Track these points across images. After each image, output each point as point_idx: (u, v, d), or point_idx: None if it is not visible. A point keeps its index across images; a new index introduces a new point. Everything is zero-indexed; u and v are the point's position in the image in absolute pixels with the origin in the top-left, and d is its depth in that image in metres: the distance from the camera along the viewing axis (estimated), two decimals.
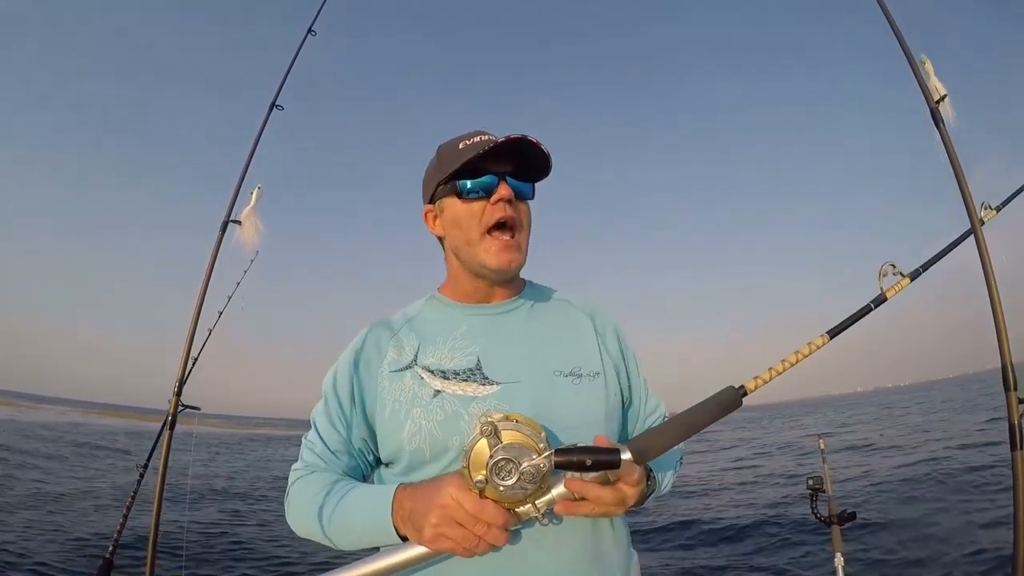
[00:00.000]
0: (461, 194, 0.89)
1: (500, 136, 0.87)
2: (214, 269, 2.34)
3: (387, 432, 0.87)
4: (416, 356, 0.90)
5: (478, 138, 0.90)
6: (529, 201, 0.95)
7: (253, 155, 2.28)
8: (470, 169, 0.87)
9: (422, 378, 0.87)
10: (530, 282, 1.05)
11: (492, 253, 0.88)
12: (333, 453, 0.90)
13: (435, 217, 0.97)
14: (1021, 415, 1.62)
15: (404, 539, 0.75)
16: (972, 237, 1.65)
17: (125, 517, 2.81)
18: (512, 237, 0.90)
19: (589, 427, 0.83)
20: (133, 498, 2.86)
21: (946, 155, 1.57)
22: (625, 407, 0.98)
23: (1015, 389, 1.61)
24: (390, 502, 0.76)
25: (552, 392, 0.86)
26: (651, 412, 1.02)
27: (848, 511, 2.28)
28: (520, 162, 0.90)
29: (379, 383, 0.89)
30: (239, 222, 2.34)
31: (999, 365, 1.58)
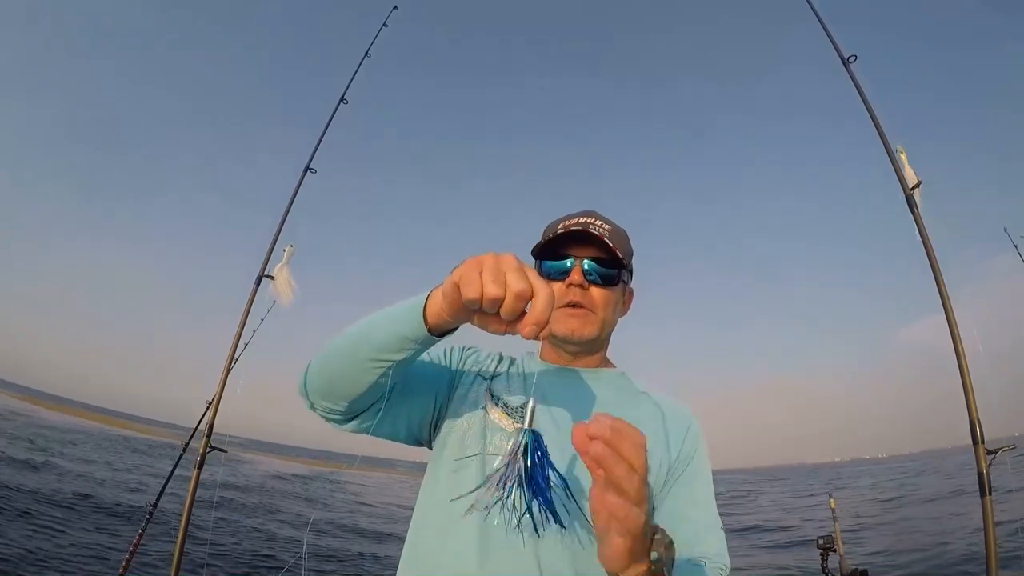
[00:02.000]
0: (542, 273, 0.97)
1: (586, 221, 0.96)
2: (248, 319, 2.50)
3: (445, 407, 0.96)
4: (493, 378, 0.99)
5: (576, 220, 0.98)
6: (615, 287, 0.98)
7: (287, 215, 2.44)
8: (557, 250, 0.97)
9: (486, 393, 0.95)
10: (623, 372, 1.06)
11: (559, 321, 0.95)
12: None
13: None
14: (988, 465, 1.85)
15: (434, 334, 0.72)
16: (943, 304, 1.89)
17: (132, 554, 2.76)
18: (581, 309, 0.95)
19: None
20: (141, 536, 2.84)
21: (920, 240, 1.80)
22: (655, 504, 0.88)
23: (982, 443, 1.86)
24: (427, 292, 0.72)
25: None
26: (696, 541, 0.85)
27: (860, 569, 2.36)
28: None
29: (467, 374, 1.00)
30: (272, 277, 2.51)
31: (968, 442, 1.82)
